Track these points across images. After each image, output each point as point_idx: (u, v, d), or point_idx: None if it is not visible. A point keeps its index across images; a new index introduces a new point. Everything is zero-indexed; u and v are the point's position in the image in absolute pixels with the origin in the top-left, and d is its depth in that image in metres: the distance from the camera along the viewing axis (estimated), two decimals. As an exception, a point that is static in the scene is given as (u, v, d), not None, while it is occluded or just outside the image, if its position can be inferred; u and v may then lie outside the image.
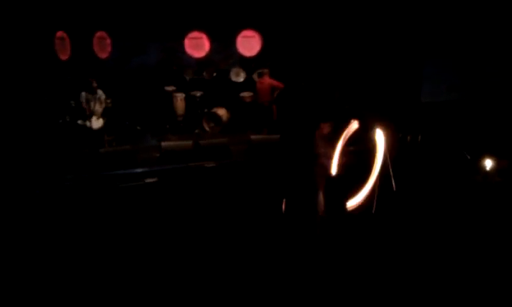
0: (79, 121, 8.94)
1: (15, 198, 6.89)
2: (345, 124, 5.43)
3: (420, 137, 7.96)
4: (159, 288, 5.00)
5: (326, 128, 5.53)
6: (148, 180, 7.87)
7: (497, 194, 6.40)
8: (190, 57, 10.29)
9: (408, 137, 8.04)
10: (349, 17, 9.72)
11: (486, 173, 6.79)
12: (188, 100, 9.99)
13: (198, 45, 10.23)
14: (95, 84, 8.98)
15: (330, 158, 5.29)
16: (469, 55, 9.17)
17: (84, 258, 5.54)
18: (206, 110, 9.89)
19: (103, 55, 10.03)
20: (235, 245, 5.73)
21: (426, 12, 9.13)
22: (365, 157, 5.62)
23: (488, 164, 6.79)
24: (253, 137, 8.78)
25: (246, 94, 10.17)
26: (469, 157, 7.37)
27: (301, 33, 10.21)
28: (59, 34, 9.80)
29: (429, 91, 9.14)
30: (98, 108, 8.98)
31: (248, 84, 10.41)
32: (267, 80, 9.74)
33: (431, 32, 9.22)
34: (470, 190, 6.55)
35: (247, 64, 10.59)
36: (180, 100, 9.91)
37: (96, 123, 8.89)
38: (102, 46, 10.00)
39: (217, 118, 9.64)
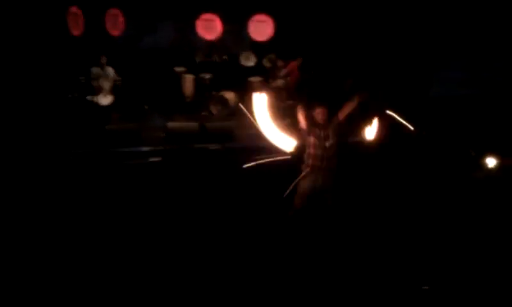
0: (88, 97, 9.02)
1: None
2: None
3: (425, 132, 7.90)
4: (158, 270, 5.07)
5: (321, 114, 5.53)
6: (152, 159, 7.97)
7: (497, 192, 6.35)
8: (201, 39, 10.28)
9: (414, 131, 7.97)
10: (364, 8, 9.64)
11: (489, 170, 6.74)
12: (197, 82, 10.00)
13: (210, 27, 10.19)
14: (104, 61, 9.03)
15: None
16: (480, 51, 9.06)
17: (84, 237, 5.63)
18: (214, 93, 9.90)
19: (115, 32, 10.05)
20: (233, 229, 5.79)
21: (438, 8, 9.04)
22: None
23: (491, 161, 6.73)
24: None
25: (254, 79, 10.15)
26: (473, 154, 7.30)
27: (314, 20, 10.16)
28: (73, 9, 9.85)
29: (439, 86, 9.06)
30: (107, 85, 9.04)
31: (258, 68, 10.38)
32: None
33: (443, 27, 9.13)
34: (469, 187, 6.52)
35: (258, 48, 10.55)
36: (189, 81, 9.93)
37: (105, 99, 8.95)
38: (115, 23, 10.02)
39: (225, 101, 9.65)
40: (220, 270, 5.02)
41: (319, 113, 5.55)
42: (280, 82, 9.84)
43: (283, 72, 9.80)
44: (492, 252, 5.25)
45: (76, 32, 9.86)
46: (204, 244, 5.53)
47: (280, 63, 10.05)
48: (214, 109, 9.61)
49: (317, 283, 4.84)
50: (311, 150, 5.50)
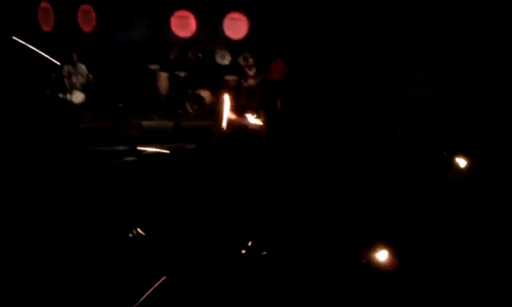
0: (60, 95, 8.85)
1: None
2: None
3: (399, 131, 8.08)
4: (130, 267, 5.03)
5: None
6: (127, 159, 7.89)
7: (468, 191, 6.52)
8: (176, 36, 10.22)
9: (387, 132, 8.15)
10: (336, 9, 9.75)
11: (460, 170, 6.93)
12: (172, 79, 9.93)
13: (184, 25, 10.17)
14: (75, 58, 8.87)
15: None
16: (452, 53, 9.30)
17: (55, 239, 5.53)
18: (189, 91, 9.85)
19: (87, 28, 9.90)
20: (207, 227, 5.78)
21: (411, 10, 9.23)
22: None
23: (462, 161, 6.94)
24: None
25: (230, 77, 10.15)
26: (445, 154, 7.49)
27: (289, 19, 10.21)
28: (43, 4, 9.63)
29: (413, 86, 9.26)
30: (80, 82, 8.90)
31: (233, 67, 10.38)
32: None
33: (415, 29, 9.32)
34: (441, 186, 6.68)
35: (233, 47, 10.55)
36: (163, 79, 9.86)
37: (77, 97, 8.81)
38: (87, 19, 9.87)
39: (201, 99, 9.63)
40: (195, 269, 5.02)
41: None
42: (253, 81, 9.89)
43: None
44: (462, 250, 5.39)
45: (47, 28, 9.67)
46: (178, 243, 5.50)
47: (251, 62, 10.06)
48: (189, 108, 9.57)
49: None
50: None
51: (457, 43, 9.28)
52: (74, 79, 8.95)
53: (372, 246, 5.27)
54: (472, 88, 9.17)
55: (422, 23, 9.34)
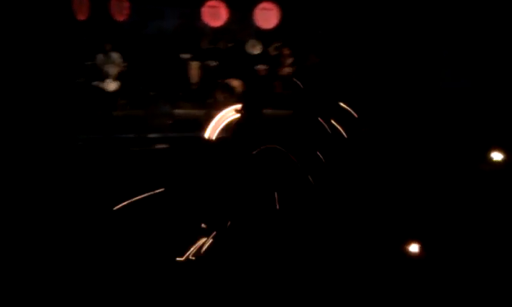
0: (94, 83, 9.03)
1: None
2: None
3: (431, 124, 7.95)
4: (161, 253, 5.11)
5: None
6: (159, 146, 8.00)
7: (500, 184, 6.41)
8: (207, 26, 10.27)
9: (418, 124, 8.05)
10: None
11: (494, 163, 6.81)
12: (203, 69, 10.00)
13: (215, 14, 10.23)
14: (109, 47, 9.03)
15: None
16: (485, 44, 9.08)
17: (88, 226, 5.63)
18: (220, 80, 9.90)
19: (120, 18, 10.04)
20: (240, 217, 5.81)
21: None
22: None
23: (496, 155, 6.82)
24: (264, 111, 8.81)
25: (261, 67, 10.16)
26: (479, 147, 7.35)
27: (321, 10, 10.13)
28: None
29: (445, 79, 9.09)
30: (113, 71, 9.05)
31: (264, 56, 10.38)
32: None
33: (451, 19, 9.12)
34: (475, 179, 6.58)
35: (264, 36, 10.54)
36: (194, 68, 9.94)
37: (111, 85, 8.97)
38: (120, 9, 10.00)
39: (231, 89, 9.66)
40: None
41: None
42: (288, 70, 9.87)
43: None
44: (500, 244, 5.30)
45: (82, 16, 9.82)
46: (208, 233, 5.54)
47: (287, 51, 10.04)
48: (220, 97, 9.62)
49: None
50: None
51: (496, 35, 9.03)
52: (107, 68, 9.09)
53: (404, 239, 5.25)
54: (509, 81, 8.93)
55: (459, 12, 9.14)
